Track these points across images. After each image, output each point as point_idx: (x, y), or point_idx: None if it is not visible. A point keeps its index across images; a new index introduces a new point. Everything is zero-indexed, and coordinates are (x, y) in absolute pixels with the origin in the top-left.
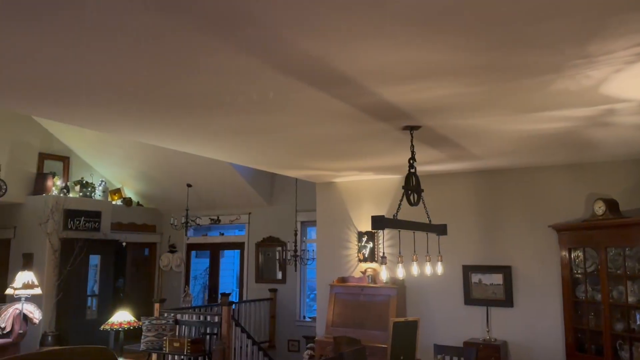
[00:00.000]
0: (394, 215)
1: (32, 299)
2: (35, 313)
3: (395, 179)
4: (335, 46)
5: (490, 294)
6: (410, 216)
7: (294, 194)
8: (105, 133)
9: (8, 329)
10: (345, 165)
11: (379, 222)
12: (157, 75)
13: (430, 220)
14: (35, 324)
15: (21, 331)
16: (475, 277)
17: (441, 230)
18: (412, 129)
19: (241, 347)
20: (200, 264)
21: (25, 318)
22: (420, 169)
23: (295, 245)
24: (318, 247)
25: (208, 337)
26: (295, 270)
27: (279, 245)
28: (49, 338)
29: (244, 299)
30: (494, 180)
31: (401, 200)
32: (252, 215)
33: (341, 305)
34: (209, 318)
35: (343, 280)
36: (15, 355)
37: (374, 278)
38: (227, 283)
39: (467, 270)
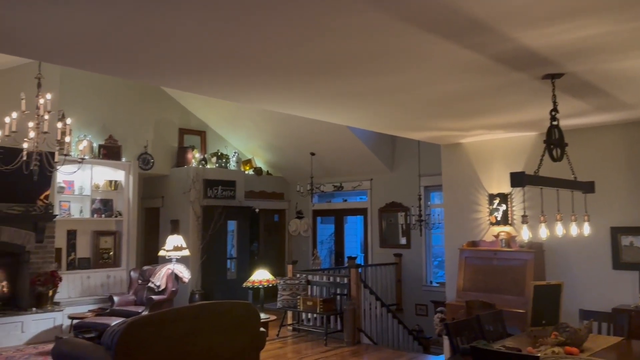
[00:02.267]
0: (535, 172)
1: (181, 260)
2: (184, 273)
3: (530, 137)
4: None
5: None
6: (550, 174)
7: (416, 158)
8: (235, 102)
9: (162, 286)
10: (474, 123)
11: (518, 179)
12: (284, 41)
13: (575, 178)
14: (185, 282)
15: (174, 289)
16: (625, 240)
17: (588, 187)
18: (553, 77)
19: (370, 308)
20: (325, 230)
21: (177, 277)
22: (562, 122)
23: (420, 210)
24: (445, 211)
25: (338, 297)
26: (421, 236)
27: (402, 211)
28: (197, 296)
29: (369, 263)
30: None
31: (542, 155)
32: (374, 182)
33: (472, 270)
34: (338, 279)
35: (473, 244)
36: (177, 307)
37: (508, 242)
38: (352, 248)
39: (616, 232)
